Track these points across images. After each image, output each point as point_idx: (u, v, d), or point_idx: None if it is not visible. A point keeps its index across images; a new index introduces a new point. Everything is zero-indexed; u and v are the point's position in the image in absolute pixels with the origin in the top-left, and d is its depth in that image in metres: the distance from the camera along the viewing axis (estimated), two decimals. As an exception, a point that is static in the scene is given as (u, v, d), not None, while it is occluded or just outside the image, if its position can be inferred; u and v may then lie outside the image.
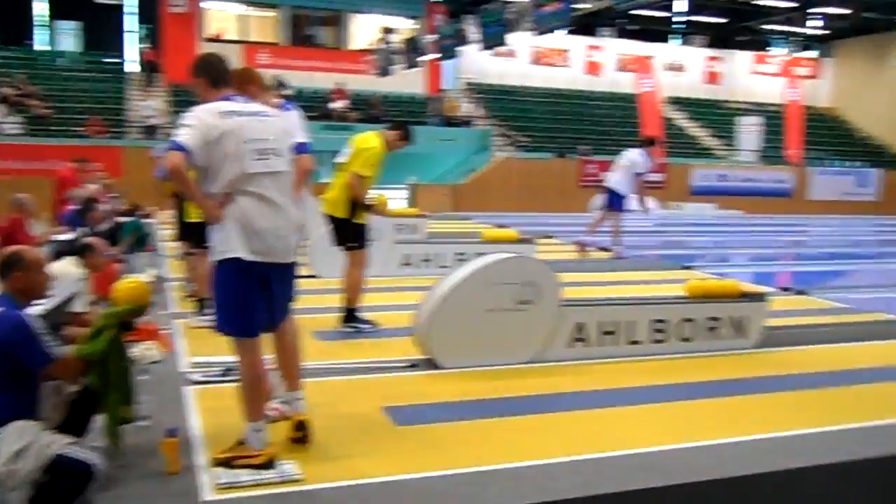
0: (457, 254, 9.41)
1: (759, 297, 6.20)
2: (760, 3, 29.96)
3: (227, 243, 3.50)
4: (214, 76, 3.77)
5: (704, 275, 9.41)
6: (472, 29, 20.73)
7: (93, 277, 5.99)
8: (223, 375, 4.81)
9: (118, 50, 27.63)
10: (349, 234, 6.28)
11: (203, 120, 3.49)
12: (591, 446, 3.85)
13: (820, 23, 33.78)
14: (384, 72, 25.63)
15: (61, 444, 3.19)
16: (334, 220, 6.31)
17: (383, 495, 3.28)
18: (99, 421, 3.65)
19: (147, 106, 21.84)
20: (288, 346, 3.89)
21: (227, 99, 3.66)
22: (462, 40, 21.29)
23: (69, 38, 26.33)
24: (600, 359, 5.55)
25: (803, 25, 33.46)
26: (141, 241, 9.75)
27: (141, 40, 28.17)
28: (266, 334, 3.73)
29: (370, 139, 6.27)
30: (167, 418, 3.92)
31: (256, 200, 3.53)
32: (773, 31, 35.44)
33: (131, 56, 28.01)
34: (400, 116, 25.59)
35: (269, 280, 3.58)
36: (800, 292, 8.90)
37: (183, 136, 3.45)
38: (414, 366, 5.26)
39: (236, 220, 3.49)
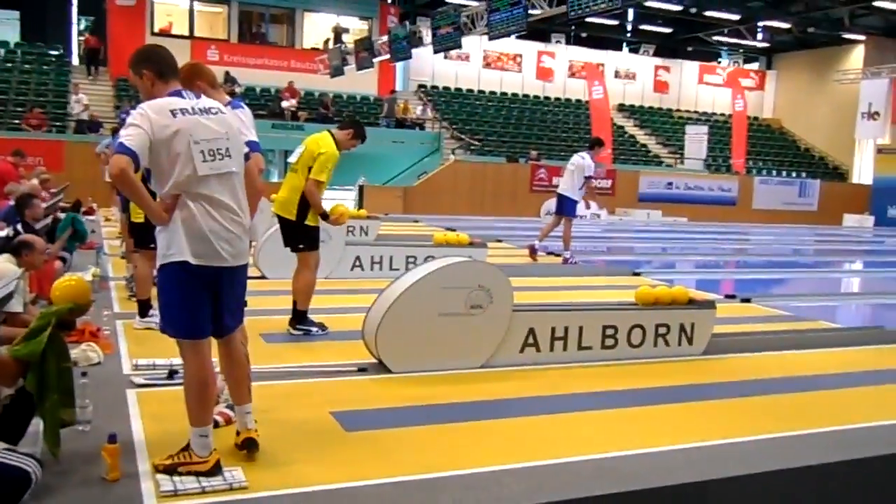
0: (408, 257, 9.37)
1: (707, 305, 6.28)
2: (708, 14, 30.57)
3: (173, 247, 3.35)
4: (161, 68, 3.52)
5: (653, 281, 9.52)
6: (425, 31, 20.73)
7: (31, 275, 5.79)
8: (167, 378, 4.69)
9: (61, 41, 26.91)
10: (299, 235, 6.18)
11: (152, 119, 3.30)
12: (541, 452, 3.83)
13: (764, 36, 34.63)
14: (336, 71, 25.46)
15: (-6, 450, 3.05)
16: (284, 222, 6.20)
17: (331, 503, 3.21)
18: (36, 425, 3.52)
19: (78, 100, 21.04)
20: (238, 358, 3.71)
21: (177, 94, 3.48)
22: (415, 42, 21.27)
23: (7, 27, 25.49)
24: (551, 364, 5.56)
25: (749, 38, 34.24)
26: (79, 237, 9.45)
27: (80, 33, 27.49)
28: (215, 342, 3.61)
29: (323, 142, 6.15)
30: (108, 423, 3.78)
31: (206, 203, 3.38)
32: (720, 43, 36.20)
33: (75, 47, 27.35)
34: (351, 117, 25.46)
35: (218, 284, 3.45)
36: (745, 300, 9.06)
37: (129, 137, 3.25)
38: (363, 370, 5.19)
39: (184, 223, 3.35)
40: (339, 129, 6.36)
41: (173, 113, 3.36)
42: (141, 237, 6.01)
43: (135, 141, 3.24)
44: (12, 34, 25.63)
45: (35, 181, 11.39)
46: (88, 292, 3.68)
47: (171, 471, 3.33)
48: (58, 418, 3.42)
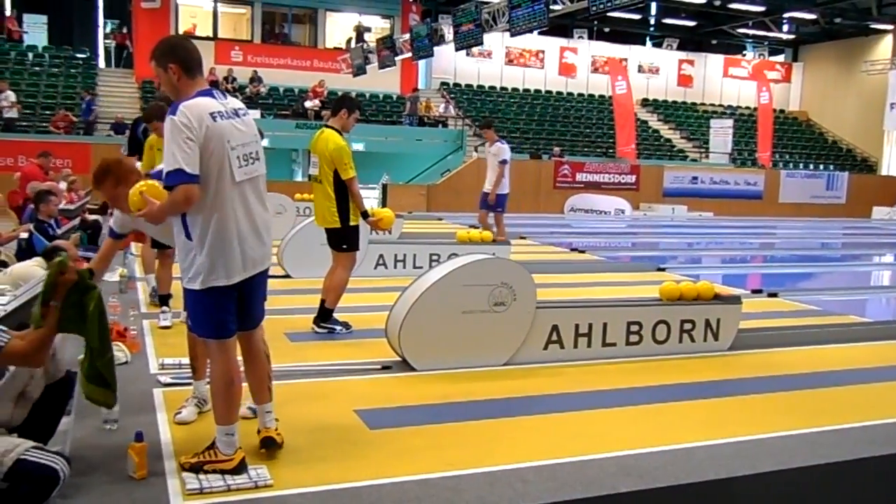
0: (431, 255, 9.36)
1: (733, 300, 6.22)
2: (732, 6, 30.25)
3: (202, 274, 3.31)
4: (189, 63, 3.35)
5: (678, 277, 9.44)
6: (446, 29, 20.71)
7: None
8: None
9: (87, 44, 27.24)
10: (345, 238, 6.20)
11: (193, 129, 3.18)
12: (565, 450, 3.82)
13: (790, 27, 34.21)
14: (358, 70, 25.53)
15: (24, 448, 3.08)
16: (330, 230, 6.22)
17: (356, 501, 3.22)
18: (67, 424, 3.57)
19: (5, 97, 20.53)
20: (259, 356, 3.72)
21: (208, 94, 3.37)
22: (437, 40, 21.25)
23: (36, 31, 25.82)
24: (575, 361, 5.53)
25: (774, 30, 33.85)
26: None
27: (106, 35, 27.79)
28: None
29: (330, 139, 6.07)
30: (135, 421, 3.82)
31: (237, 209, 3.35)
32: (745, 35, 35.82)
33: (101, 50, 27.66)
34: (374, 116, 25.53)
35: (246, 288, 3.48)
36: (772, 294, 8.96)
37: (187, 158, 3.14)
38: (387, 368, 5.20)
39: (217, 233, 3.31)
40: (333, 117, 6.27)
41: (212, 116, 3.27)
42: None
43: (192, 160, 3.17)
44: (40, 38, 25.95)
45: (63, 184, 11.54)
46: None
47: (196, 469, 3.35)
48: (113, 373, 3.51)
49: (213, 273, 3.33)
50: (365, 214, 6.22)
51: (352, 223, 6.15)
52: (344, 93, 6.43)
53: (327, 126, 6.25)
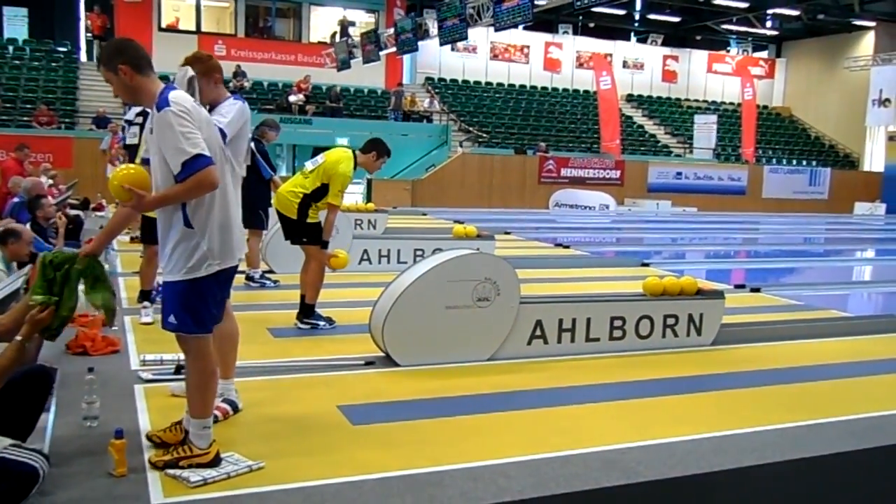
0: (416, 250, 9.35)
1: (716, 295, 6.24)
2: (716, 2, 30.36)
3: (209, 258, 3.32)
4: (138, 61, 3.28)
5: (662, 272, 9.47)
6: (431, 23, 20.67)
7: (32, 269, 5.83)
8: (175, 374, 4.69)
9: (69, 38, 26.96)
10: (301, 231, 6.18)
11: (192, 115, 3.20)
12: (548, 445, 3.82)
13: (774, 24, 34.40)
14: (343, 65, 25.44)
15: (2, 446, 3.05)
16: (285, 219, 6.21)
17: (339, 497, 3.20)
18: (45, 422, 3.53)
19: None
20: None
21: (172, 88, 3.32)
22: (421, 35, 21.21)
23: (16, 24, 25.51)
24: (559, 356, 5.54)
25: (758, 26, 34.01)
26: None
27: (88, 29, 27.49)
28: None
29: (343, 162, 6.11)
30: (115, 418, 3.79)
31: (226, 191, 3.40)
32: (729, 32, 35.97)
33: (83, 44, 27.39)
34: (358, 110, 25.46)
35: (234, 269, 3.54)
36: (754, 289, 9.01)
37: (202, 146, 3.16)
38: (371, 363, 5.19)
39: (214, 220, 3.33)
40: (362, 153, 6.36)
41: (195, 103, 3.32)
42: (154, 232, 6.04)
43: (203, 144, 3.18)
44: (21, 31, 25.65)
45: (44, 178, 11.44)
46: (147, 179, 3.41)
47: (172, 466, 3.32)
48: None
49: (220, 256, 3.35)
50: (325, 244, 6.22)
51: (310, 220, 6.15)
52: (376, 138, 6.54)
53: (355, 153, 6.29)
